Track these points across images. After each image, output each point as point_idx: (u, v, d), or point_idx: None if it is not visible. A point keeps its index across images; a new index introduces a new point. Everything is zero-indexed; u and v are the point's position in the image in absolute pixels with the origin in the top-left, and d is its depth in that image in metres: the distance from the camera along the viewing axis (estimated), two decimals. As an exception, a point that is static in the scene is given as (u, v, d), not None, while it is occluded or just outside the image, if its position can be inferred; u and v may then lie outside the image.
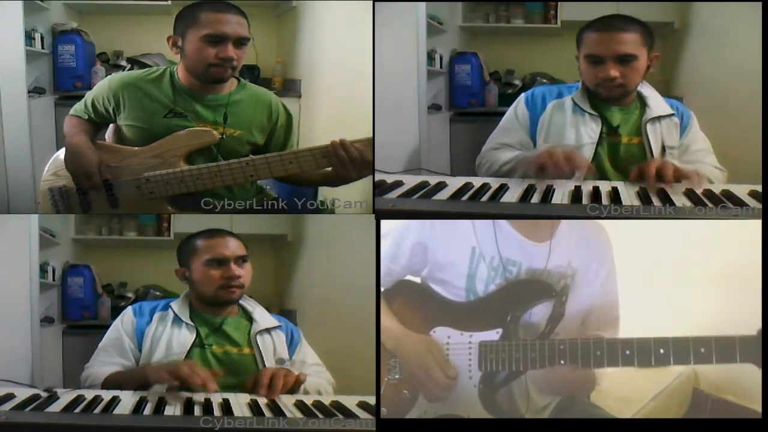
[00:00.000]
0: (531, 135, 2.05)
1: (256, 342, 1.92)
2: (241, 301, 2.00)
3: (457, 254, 1.72)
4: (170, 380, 1.71)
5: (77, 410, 1.59)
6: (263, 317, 1.99)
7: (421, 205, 1.79)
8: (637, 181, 1.86)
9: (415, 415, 1.69)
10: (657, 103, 2.02)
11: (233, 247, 1.93)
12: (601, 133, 1.99)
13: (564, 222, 1.72)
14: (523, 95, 2.11)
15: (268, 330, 1.96)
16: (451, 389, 1.66)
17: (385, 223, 1.77)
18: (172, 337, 1.90)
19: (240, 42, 1.85)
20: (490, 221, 1.72)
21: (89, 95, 1.99)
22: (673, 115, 2.02)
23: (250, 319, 1.98)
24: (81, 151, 1.90)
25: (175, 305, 1.96)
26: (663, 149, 1.99)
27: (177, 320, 1.93)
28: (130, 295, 3.09)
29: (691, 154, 2.02)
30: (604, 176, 1.99)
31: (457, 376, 1.66)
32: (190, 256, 1.94)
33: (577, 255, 1.72)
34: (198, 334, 1.91)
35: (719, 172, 2.02)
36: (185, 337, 1.90)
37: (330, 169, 1.86)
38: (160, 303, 1.98)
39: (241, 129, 1.94)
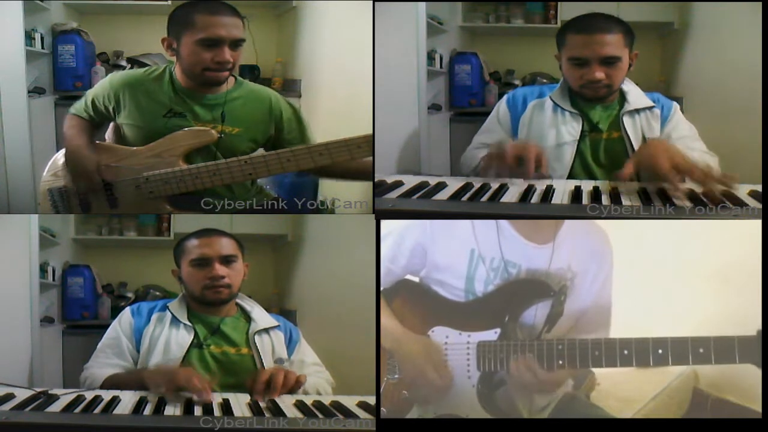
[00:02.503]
0: (513, 136, 2.06)
1: (255, 342, 1.92)
2: (239, 301, 2.00)
3: (455, 256, 1.71)
4: (167, 387, 1.70)
5: (77, 410, 1.59)
6: (261, 317, 1.99)
7: (421, 206, 1.78)
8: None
9: (414, 415, 1.69)
10: (636, 97, 2.02)
11: (218, 246, 1.92)
12: (582, 130, 2.00)
13: (566, 224, 1.71)
14: (505, 96, 2.12)
15: (266, 330, 1.96)
16: (444, 392, 1.65)
17: (385, 224, 1.77)
18: (171, 337, 1.90)
19: (236, 44, 1.84)
20: (490, 223, 1.72)
21: (89, 93, 1.99)
22: (653, 107, 2.01)
23: (248, 318, 1.98)
24: (79, 153, 1.90)
25: (172, 306, 1.96)
26: (644, 142, 1.98)
27: (175, 321, 1.93)
28: (130, 295, 3.09)
29: (675, 142, 1.99)
30: (588, 173, 2.00)
31: (451, 379, 1.65)
32: (180, 256, 1.96)
33: (578, 258, 1.71)
34: (196, 335, 1.91)
35: (708, 156, 1.98)
36: (183, 337, 1.90)
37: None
38: (159, 303, 1.99)
39: (240, 126, 1.93)
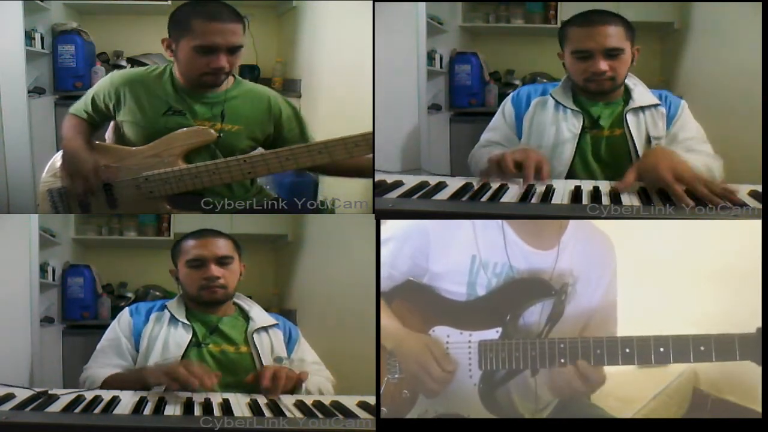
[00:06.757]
0: (517, 133, 2.08)
1: (253, 340, 1.93)
2: (237, 300, 2.00)
3: (457, 262, 1.70)
4: (168, 382, 1.71)
5: (77, 410, 1.59)
6: (260, 316, 1.99)
7: (421, 205, 1.78)
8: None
9: (415, 414, 1.69)
10: (641, 94, 2.02)
11: (214, 247, 1.93)
12: (583, 127, 2.00)
13: (569, 230, 1.71)
14: (510, 94, 2.14)
15: (265, 328, 1.96)
16: (447, 383, 1.64)
17: (385, 227, 1.76)
18: (169, 336, 1.90)
19: (233, 50, 1.84)
20: (493, 228, 1.70)
21: (90, 91, 1.99)
22: (658, 105, 2.01)
23: (246, 317, 1.98)
24: (77, 155, 1.90)
25: (170, 305, 1.96)
26: (648, 140, 1.99)
27: (173, 320, 1.93)
28: (130, 295, 3.09)
29: (680, 143, 1.99)
30: (588, 171, 2.00)
31: (455, 370, 1.65)
32: (177, 256, 1.97)
33: (580, 265, 1.70)
34: (194, 334, 1.91)
35: (713, 160, 1.97)
36: (182, 336, 1.90)
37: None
38: (157, 303, 1.99)
39: (239, 124, 1.94)
